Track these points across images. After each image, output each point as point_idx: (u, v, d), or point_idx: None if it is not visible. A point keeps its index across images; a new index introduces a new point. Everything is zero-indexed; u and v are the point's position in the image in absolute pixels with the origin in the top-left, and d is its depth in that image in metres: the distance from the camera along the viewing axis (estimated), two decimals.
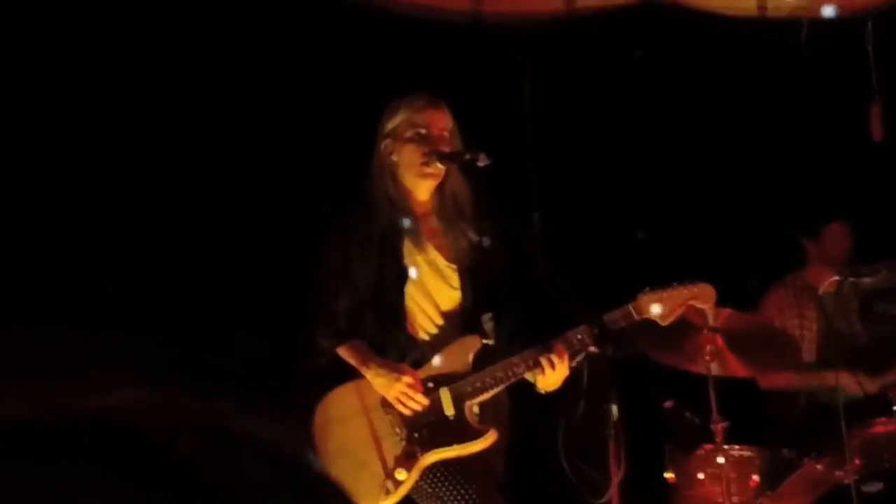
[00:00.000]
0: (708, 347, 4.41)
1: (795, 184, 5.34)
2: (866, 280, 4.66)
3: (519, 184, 5.06)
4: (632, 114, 5.38)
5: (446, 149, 3.64)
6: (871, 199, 5.19)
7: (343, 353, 3.59)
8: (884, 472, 4.29)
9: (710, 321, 4.41)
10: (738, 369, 4.57)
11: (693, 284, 3.59)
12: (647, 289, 3.56)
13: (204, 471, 0.61)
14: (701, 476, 4.58)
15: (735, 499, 4.44)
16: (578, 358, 3.58)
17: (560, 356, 3.48)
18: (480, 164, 3.52)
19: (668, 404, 4.40)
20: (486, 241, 3.70)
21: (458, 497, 3.42)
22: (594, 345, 3.57)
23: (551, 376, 3.50)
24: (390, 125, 3.68)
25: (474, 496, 3.41)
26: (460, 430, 3.51)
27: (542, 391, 3.55)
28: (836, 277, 4.62)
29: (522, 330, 3.64)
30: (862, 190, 5.21)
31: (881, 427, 4.40)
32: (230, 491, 0.61)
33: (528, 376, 3.55)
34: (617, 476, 3.78)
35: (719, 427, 4.37)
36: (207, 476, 0.61)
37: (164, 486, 0.59)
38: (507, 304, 3.67)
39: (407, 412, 3.49)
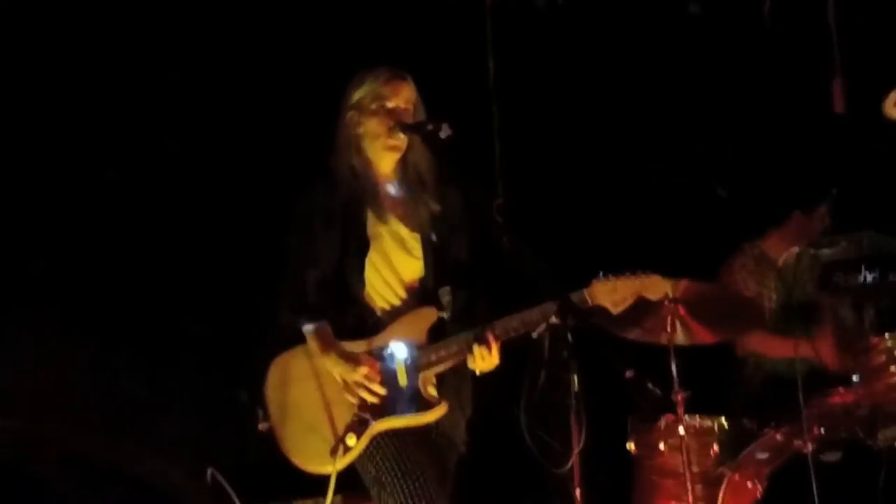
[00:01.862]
0: (669, 318, 4.44)
1: (758, 155, 5.37)
2: (825, 252, 4.70)
3: (483, 156, 5.07)
4: (596, 85, 5.39)
5: (410, 121, 3.66)
6: (835, 171, 5.22)
7: (307, 333, 3.60)
8: (842, 442, 4.34)
9: (670, 293, 4.43)
10: (706, 336, 4.60)
11: (645, 275, 3.62)
12: (601, 275, 3.59)
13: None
14: (662, 446, 4.62)
15: (695, 468, 4.49)
16: (540, 328, 3.60)
17: (488, 347, 3.52)
18: (443, 135, 3.54)
19: (628, 374, 4.42)
20: (449, 212, 3.71)
21: (400, 487, 3.43)
22: (556, 317, 3.59)
23: (481, 363, 3.55)
24: (355, 97, 3.70)
25: (414, 487, 3.42)
26: (413, 401, 3.55)
27: (476, 371, 3.59)
28: (796, 249, 4.66)
29: (479, 304, 3.66)
30: (825, 162, 5.24)
31: (839, 397, 4.45)
32: None
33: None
34: (578, 446, 3.81)
35: (680, 397, 4.42)
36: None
37: None
38: (466, 276, 3.69)
39: (355, 400, 3.51)
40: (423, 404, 3.55)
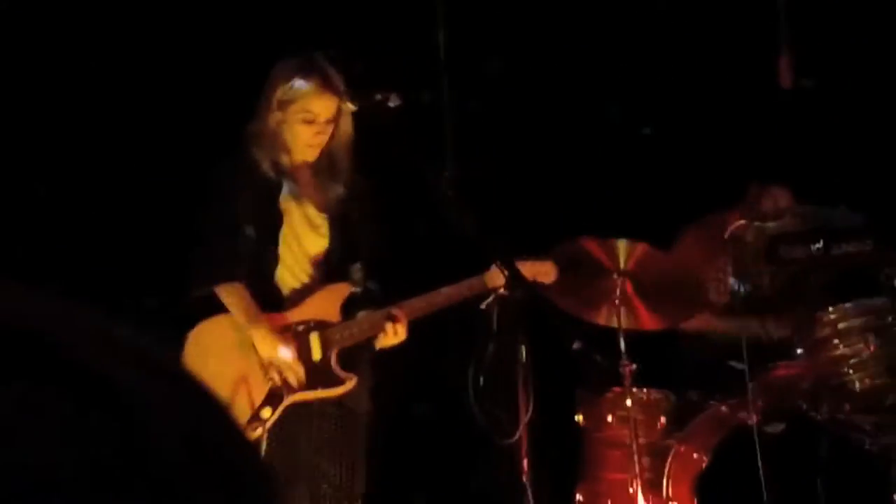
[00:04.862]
0: (617, 291, 4.45)
1: (704, 132, 5.39)
2: (770, 224, 4.73)
3: (432, 127, 5.04)
4: (549, 56, 5.38)
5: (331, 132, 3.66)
6: (780, 147, 5.25)
7: (224, 294, 3.62)
8: (785, 414, 4.39)
9: (622, 264, 4.43)
10: (647, 321, 4.59)
11: (539, 261, 3.76)
12: (497, 262, 3.67)
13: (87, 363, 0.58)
14: (610, 418, 4.64)
15: (642, 440, 4.51)
16: (488, 300, 3.62)
17: (402, 325, 3.61)
18: (392, 104, 3.54)
19: (576, 346, 4.43)
20: (356, 198, 3.77)
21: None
22: (505, 288, 3.62)
23: (391, 340, 3.63)
24: (281, 97, 3.65)
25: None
26: (324, 375, 3.63)
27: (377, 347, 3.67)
28: (742, 221, 4.68)
29: (388, 282, 3.73)
30: (771, 137, 5.27)
31: (783, 370, 4.49)
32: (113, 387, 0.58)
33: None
34: (525, 417, 3.82)
35: (628, 370, 4.43)
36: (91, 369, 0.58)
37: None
38: (374, 256, 3.74)
39: (278, 382, 3.54)
40: (334, 379, 3.62)
